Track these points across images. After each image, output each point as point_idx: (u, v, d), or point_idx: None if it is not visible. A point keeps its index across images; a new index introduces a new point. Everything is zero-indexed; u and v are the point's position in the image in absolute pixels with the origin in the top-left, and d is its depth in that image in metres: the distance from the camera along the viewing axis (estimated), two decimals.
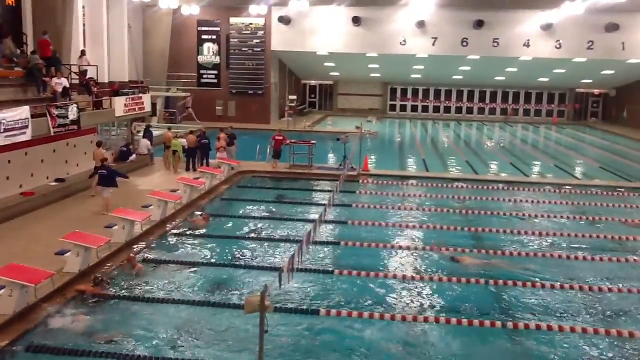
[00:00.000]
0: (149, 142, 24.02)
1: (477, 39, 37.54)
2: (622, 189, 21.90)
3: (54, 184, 18.04)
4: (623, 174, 25.41)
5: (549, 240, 15.49)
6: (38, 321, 9.79)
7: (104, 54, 26.22)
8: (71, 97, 18.98)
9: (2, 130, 14.50)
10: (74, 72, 21.42)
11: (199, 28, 39.56)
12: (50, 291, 10.60)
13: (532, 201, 19.86)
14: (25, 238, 13.68)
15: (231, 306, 10.67)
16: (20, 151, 16.47)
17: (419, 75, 47.53)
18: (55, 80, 18.45)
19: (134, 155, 22.97)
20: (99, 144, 19.39)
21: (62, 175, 18.72)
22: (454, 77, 47.20)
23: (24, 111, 15.37)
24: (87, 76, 21.80)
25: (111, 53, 27.86)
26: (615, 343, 9.87)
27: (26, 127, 15.44)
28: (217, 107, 40.15)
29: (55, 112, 16.90)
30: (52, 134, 16.97)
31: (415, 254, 14.14)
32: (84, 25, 25.34)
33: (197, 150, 22.67)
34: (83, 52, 22.63)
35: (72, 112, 17.70)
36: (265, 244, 14.60)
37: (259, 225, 16.26)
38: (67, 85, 18.93)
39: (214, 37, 39.70)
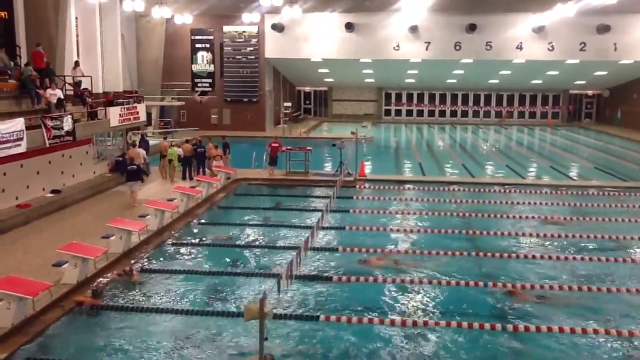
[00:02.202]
0: (144, 152, 23.92)
1: (470, 42, 37.70)
2: (618, 189, 21.94)
3: (50, 195, 17.99)
4: (618, 174, 25.49)
5: (545, 241, 15.52)
6: (36, 333, 9.73)
7: (97, 65, 26.27)
8: (66, 108, 18.98)
9: None
10: (68, 83, 21.42)
11: (193, 37, 39.61)
12: (48, 303, 10.54)
13: (529, 203, 19.89)
14: (21, 250, 13.62)
15: (230, 314, 10.62)
16: (15, 163, 16.43)
17: (413, 80, 47.66)
18: (49, 91, 18.45)
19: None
20: (134, 145, 21.53)
21: (58, 186, 18.68)
22: (448, 81, 47.35)
23: (18, 123, 15.35)
24: (82, 87, 21.81)
25: (105, 63, 27.90)
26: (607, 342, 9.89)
27: (21, 139, 15.43)
28: (212, 116, 40.15)
29: (50, 123, 16.89)
30: (48, 145, 16.97)
31: (412, 258, 14.11)
32: (77, 36, 25.37)
33: (193, 159, 22.66)
34: (77, 63, 22.66)
35: (67, 123, 17.70)
36: (263, 251, 14.56)
37: (256, 233, 16.23)
38: (62, 97, 18.94)
39: (207, 45, 39.75)
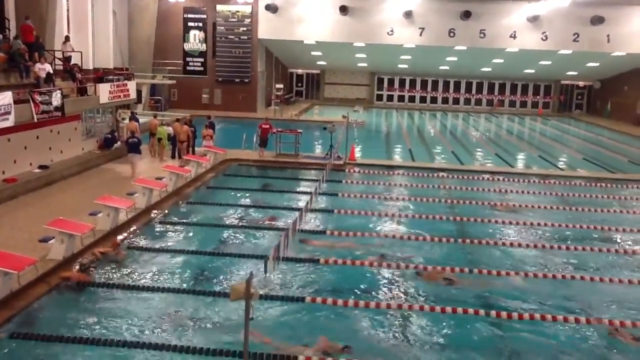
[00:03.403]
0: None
1: (464, 29, 37.65)
2: (605, 180, 22.12)
3: (37, 171, 17.86)
4: (606, 166, 25.69)
5: (531, 230, 15.65)
6: (22, 308, 9.72)
7: (88, 40, 25.88)
8: (55, 83, 18.75)
9: None
10: (58, 58, 21.15)
11: (185, 15, 39.23)
12: (34, 278, 10.52)
13: (517, 191, 20.04)
14: (8, 225, 13.54)
15: (217, 294, 10.67)
16: (2, 137, 16.27)
17: (406, 66, 47.59)
18: (38, 65, 18.21)
19: (118, 143, 22.82)
20: (132, 118, 22.77)
21: (46, 162, 18.54)
22: (441, 67, 47.34)
23: (6, 97, 15.14)
24: (71, 62, 21.56)
25: (96, 39, 27.52)
26: (598, 332, 10.03)
27: (9, 113, 15.22)
28: (203, 95, 39.92)
29: (38, 98, 16.68)
30: (36, 120, 16.76)
31: (399, 243, 14.19)
32: (67, 10, 25.00)
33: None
34: (67, 38, 22.35)
35: (56, 99, 17.49)
36: (251, 232, 14.59)
37: (244, 214, 16.23)
38: (51, 71, 18.69)
39: (200, 24, 39.39)
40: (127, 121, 24.62)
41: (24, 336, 8.92)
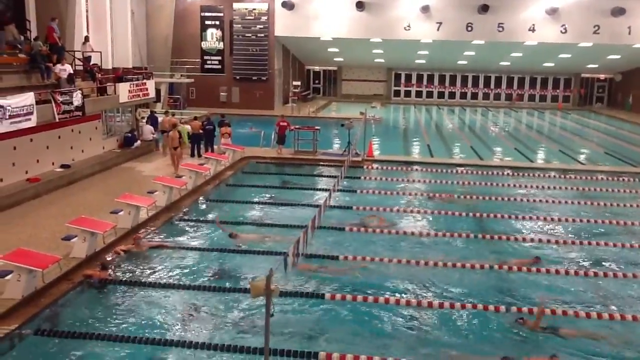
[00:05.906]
0: (152, 128, 24.03)
1: (482, 23, 37.28)
2: (627, 174, 21.83)
3: (59, 170, 18.10)
4: (628, 160, 25.32)
5: (553, 226, 15.50)
6: (46, 305, 9.88)
7: (107, 40, 26.18)
8: (75, 83, 18.98)
9: (7, 117, 14.54)
10: (78, 59, 21.40)
11: (203, 14, 39.40)
12: (58, 276, 10.68)
13: (537, 187, 19.85)
14: (31, 224, 13.75)
15: (237, 290, 10.73)
16: (25, 137, 16.52)
17: (423, 61, 47.30)
18: (59, 66, 18.45)
19: (138, 142, 23.04)
20: (166, 114, 24.39)
21: (68, 161, 18.79)
22: (459, 62, 46.94)
23: (28, 97, 15.39)
24: (91, 62, 21.80)
25: (115, 39, 27.80)
26: (610, 327, 9.93)
27: (31, 113, 15.47)
28: (221, 94, 40.10)
29: (59, 98, 16.93)
30: (57, 120, 17.02)
31: (419, 239, 14.15)
32: (87, 11, 25.28)
33: (202, 136, 22.68)
34: (87, 39, 22.62)
35: (77, 99, 17.73)
36: (270, 229, 14.61)
37: (263, 211, 16.30)
38: (72, 72, 18.94)
39: (217, 22, 39.53)
40: (145, 120, 24.92)
41: (48, 333, 9.08)
